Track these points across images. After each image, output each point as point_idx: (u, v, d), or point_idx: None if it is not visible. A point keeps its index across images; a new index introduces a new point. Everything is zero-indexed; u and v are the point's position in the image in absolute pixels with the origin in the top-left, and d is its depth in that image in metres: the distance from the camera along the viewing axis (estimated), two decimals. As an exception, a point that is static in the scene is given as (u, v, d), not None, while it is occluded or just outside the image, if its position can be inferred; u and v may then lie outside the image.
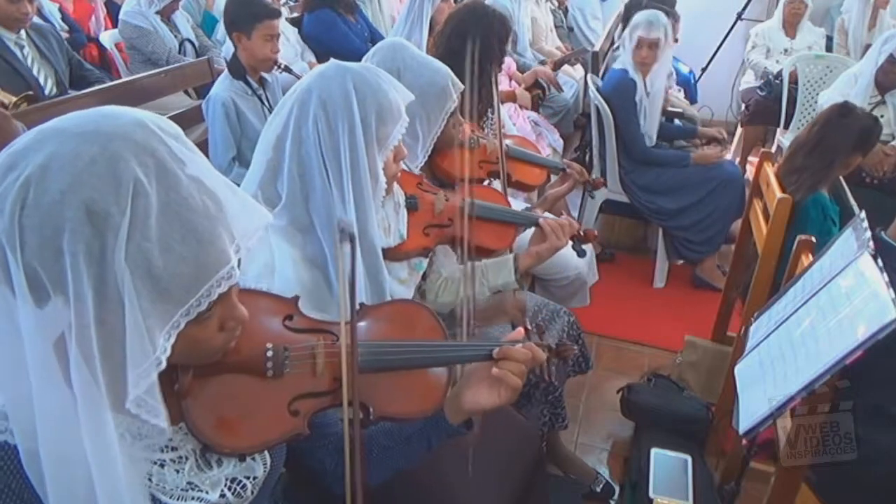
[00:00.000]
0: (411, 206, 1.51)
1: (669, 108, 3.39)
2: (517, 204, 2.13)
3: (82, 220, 0.61)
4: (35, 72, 2.82)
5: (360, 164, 1.24)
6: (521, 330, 1.08)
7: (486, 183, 2.06)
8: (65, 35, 3.44)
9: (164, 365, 0.67)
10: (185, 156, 0.68)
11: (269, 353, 0.87)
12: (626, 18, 3.64)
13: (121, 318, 0.63)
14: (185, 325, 0.67)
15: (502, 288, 1.60)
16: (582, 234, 1.70)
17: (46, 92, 2.83)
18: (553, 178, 2.29)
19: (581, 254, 1.74)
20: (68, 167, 0.61)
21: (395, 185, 1.47)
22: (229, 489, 0.83)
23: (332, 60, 1.31)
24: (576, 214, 3.46)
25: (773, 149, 3.80)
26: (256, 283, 1.20)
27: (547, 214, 2.00)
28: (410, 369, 1.02)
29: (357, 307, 0.95)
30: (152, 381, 0.67)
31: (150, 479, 0.76)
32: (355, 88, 1.24)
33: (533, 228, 1.68)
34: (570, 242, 1.69)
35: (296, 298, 1.00)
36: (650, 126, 3.08)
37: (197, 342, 0.72)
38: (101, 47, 3.79)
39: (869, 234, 1.29)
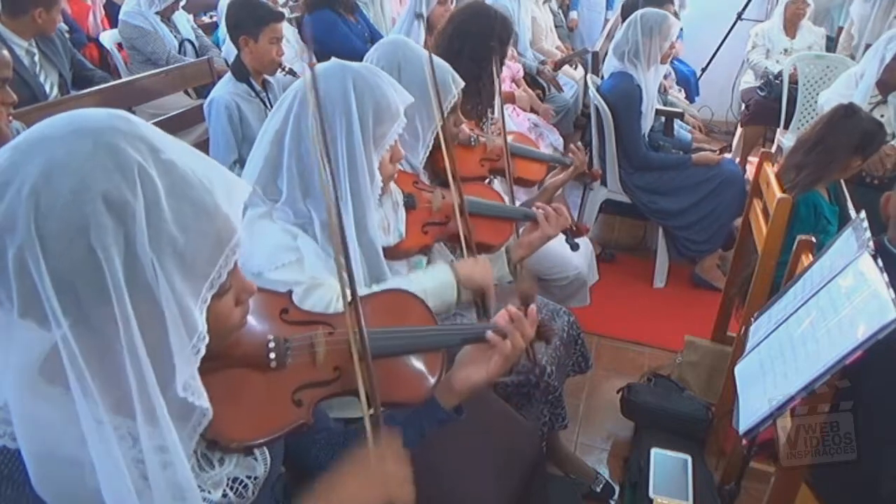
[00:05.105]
0: (409, 205, 1.52)
1: (669, 109, 3.39)
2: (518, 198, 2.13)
3: (103, 213, 0.60)
4: (42, 79, 2.80)
5: (357, 162, 1.26)
6: (504, 313, 1.09)
7: (486, 181, 2.07)
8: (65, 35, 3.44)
9: (207, 338, 0.68)
10: (164, 138, 0.69)
11: (271, 345, 0.88)
12: (624, 18, 3.64)
13: (155, 304, 0.64)
14: (210, 300, 0.69)
15: (497, 280, 1.59)
16: (574, 227, 1.70)
17: (51, 99, 2.82)
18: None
19: (574, 247, 1.74)
20: (71, 166, 0.61)
21: (393, 185, 1.48)
22: (231, 489, 0.83)
23: (334, 59, 1.31)
24: (576, 214, 3.46)
25: (773, 149, 3.80)
26: (278, 260, 1.22)
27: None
28: (406, 355, 1.04)
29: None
30: (198, 362, 0.68)
31: None
32: (354, 86, 1.25)
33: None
34: (563, 236, 1.70)
35: (289, 293, 1.01)
36: (646, 122, 3.10)
37: (219, 319, 0.74)
38: (101, 47, 3.79)
39: (869, 234, 1.29)
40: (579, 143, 2.22)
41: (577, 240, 1.74)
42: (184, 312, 0.66)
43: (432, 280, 1.38)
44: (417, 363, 1.05)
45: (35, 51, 2.78)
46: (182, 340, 0.66)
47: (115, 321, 0.62)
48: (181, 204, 0.65)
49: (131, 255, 0.62)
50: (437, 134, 1.57)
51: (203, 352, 0.68)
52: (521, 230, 1.75)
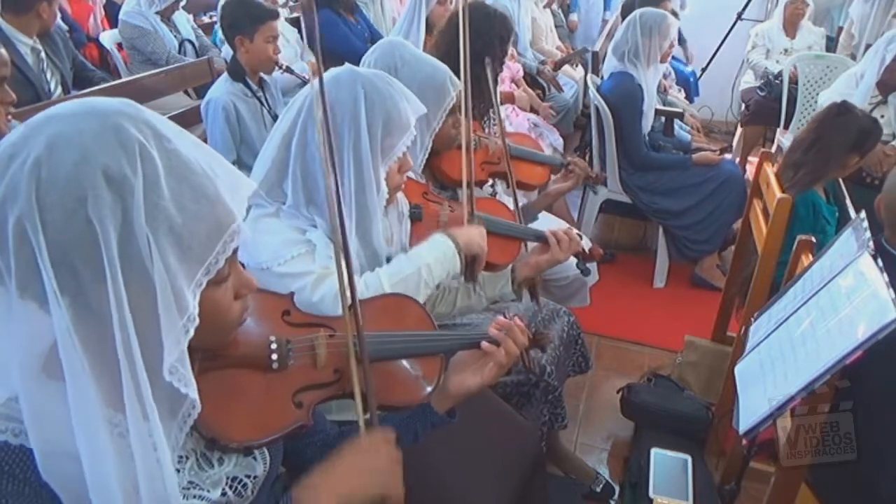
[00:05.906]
0: (415, 217, 1.50)
1: (669, 109, 3.39)
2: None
3: (101, 186, 0.62)
4: (48, 77, 2.79)
5: (363, 172, 1.24)
6: (500, 319, 1.10)
7: (489, 184, 2.06)
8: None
9: (197, 321, 0.68)
10: (172, 128, 0.70)
11: (273, 346, 0.88)
12: (623, 18, 3.65)
13: (148, 281, 0.64)
14: (206, 285, 0.69)
15: (500, 298, 1.57)
16: (587, 252, 1.67)
17: (54, 98, 2.82)
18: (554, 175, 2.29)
19: (585, 272, 1.72)
20: (75, 141, 0.62)
21: (400, 195, 1.46)
22: (230, 488, 0.83)
23: (347, 65, 1.30)
24: (576, 214, 3.46)
25: (773, 149, 3.81)
26: (287, 253, 1.22)
27: (548, 217, 1.97)
28: (404, 358, 1.05)
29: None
30: (186, 345, 0.68)
31: None
32: (365, 96, 1.23)
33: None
34: (574, 260, 1.67)
35: (291, 295, 1.01)
36: (646, 122, 3.10)
37: (218, 310, 0.74)
38: (101, 47, 3.79)
39: (869, 234, 1.29)
40: (579, 160, 2.22)
41: (588, 264, 1.70)
42: (176, 293, 0.66)
43: (433, 252, 1.37)
44: (415, 367, 1.05)
45: (41, 48, 2.77)
46: (172, 319, 0.66)
47: (108, 300, 0.62)
48: (181, 186, 0.66)
49: (127, 229, 0.63)
50: (463, 142, 1.55)
51: (192, 333, 0.68)
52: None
